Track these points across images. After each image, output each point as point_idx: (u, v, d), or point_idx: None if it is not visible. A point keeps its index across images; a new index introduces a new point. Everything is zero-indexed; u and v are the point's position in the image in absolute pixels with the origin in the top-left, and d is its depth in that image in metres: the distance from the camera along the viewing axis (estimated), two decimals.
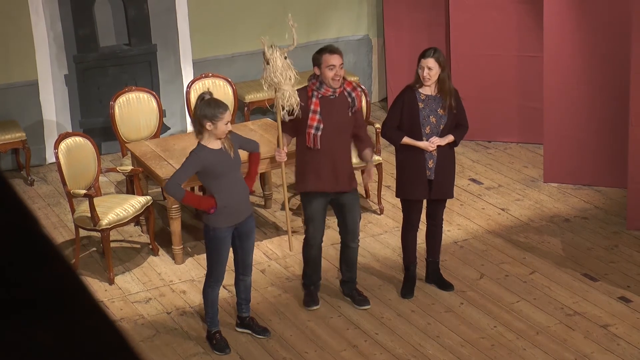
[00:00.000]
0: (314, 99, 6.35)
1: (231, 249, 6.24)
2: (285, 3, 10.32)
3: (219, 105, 5.97)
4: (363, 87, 8.52)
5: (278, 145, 6.63)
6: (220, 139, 5.99)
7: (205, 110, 5.93)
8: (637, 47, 7.42)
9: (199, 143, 6.01)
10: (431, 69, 6.38)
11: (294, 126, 6.47)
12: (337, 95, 6.38)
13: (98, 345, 1.01)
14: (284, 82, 6.32)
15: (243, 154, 6.34)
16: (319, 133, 6.34)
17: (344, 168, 6.45)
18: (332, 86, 6.34)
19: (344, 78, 6.45)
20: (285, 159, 6.59)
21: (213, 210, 6.00)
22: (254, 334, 6.48)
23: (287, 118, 6.40)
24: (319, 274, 6.85)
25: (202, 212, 6.19)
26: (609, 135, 8.34)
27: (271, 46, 6.44)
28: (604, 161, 8.46)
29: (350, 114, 6.43)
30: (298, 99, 6.33)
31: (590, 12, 8.16)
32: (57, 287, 1.06)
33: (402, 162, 6.67)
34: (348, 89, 6.44)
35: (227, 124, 5.95)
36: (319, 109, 6.35)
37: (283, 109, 6.37)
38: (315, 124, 6.34)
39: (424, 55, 6.43)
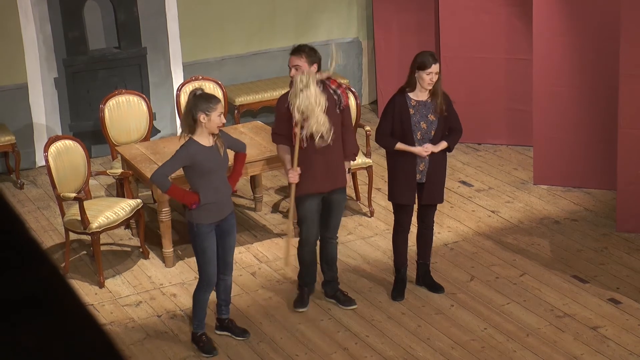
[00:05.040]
0: None
1: None
2: (274, 6, 10.33)
3: (212, 97, 6.03)
4: (352, 88, 8.52)
5: (291, 166, 6.40)
6: (212, 135, 6.02)
7: (198, 103, 5.98)
8: (626, 50, 7.44)
9: (190, 138, 6.04)
10: (437, 73, 6.42)
11: (289, 135, 6.42)
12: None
13: (84, 348, 1.01)
14: (317, 109, 6.22)
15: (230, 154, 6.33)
16: (304, 132, 6.30)
17: (336, 165, 6.43)
18: None
19: (328, 76, 6.42)
20: (297, 180, 6.39)
21: (195, 206, 6.01)
22: (233, 336, 6.48)
23: (323, 144, 6.32)
24: (313, 276, 6.84)
25: (186, 209, 6.21)
26: (599, 137, 8.36)
27: (306, 73, 6.27)
28: (593, 163, 8.48)
29: (338, 111, 6.40)
30: (329, 124, 6.26)
31: (579, 15, 8.18)
32: (43, 290, 1.06)
33: (393, 166, 6.67)
34: (333, 86, 6.42)
35: (220, 115, 5.99)
36: None
37: (319, 134, 6.24)
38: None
39: (430, 62, 6.35)
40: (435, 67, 6.41)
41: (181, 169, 6.16)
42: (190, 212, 6.08)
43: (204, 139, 6.02)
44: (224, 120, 6.08)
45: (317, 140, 6.26)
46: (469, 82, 9.48)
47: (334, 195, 6.52)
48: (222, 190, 6.13)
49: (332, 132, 6.25)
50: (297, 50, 6.37)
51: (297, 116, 6.22)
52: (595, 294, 6.89)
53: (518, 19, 9.16)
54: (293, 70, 6.34)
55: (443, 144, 6.55)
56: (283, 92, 6.69)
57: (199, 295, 6.26)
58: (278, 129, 6.48)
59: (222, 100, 8.72)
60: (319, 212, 6.57)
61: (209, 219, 6.08)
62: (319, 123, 6.19)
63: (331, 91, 6.39)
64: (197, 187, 6.06)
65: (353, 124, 6.73)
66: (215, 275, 6.23)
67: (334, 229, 6.69)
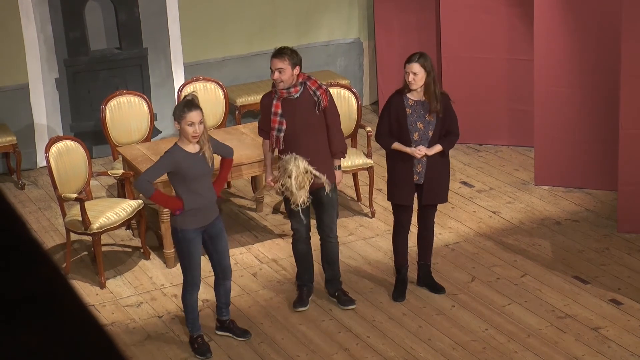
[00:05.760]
0: (274, 101, 6.46)
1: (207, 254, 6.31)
2: (275, 6, 10.33)
3: (186, 105, 5.93)
4: (353, 89, 8.53)
5: (270, 173, 6.73)
6: (192, 142, 5.96)
7: (176, 109, 6.00)
8: (627, 50, 7.44)
9: (175, 144, 6.04)
10: (416, 74, 6.40)
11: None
12: (298, 95, 6.43)
13: (85, 349, 1.01)
14: (299, 190, 6.38)
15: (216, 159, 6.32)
16: (281, 135, 6.45)
17: (319, 165, 6.48)
18: (277, 88, 6.42)
19: (309, 77, 6.49)
20: (273, 185, 6.65)
21: (179, 212, 6.00)
22: (234, 337, 6.47)
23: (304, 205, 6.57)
24: (310, 274, 6.87)
25: (171, 214, 6.20)
26: (600, 138, 8.36)
27: (295, 159, 6.39)
28: (594, 164, 8.48)
29: (317, 112, 6.47)
30: (309, 197, 6.44)
31: (580, 16, 8.18)
32: (44, 290, 1.06)
33: (391, 167, 6.69)
34: (313, 87, 6.47)
35: (190, 125, 5.88)
36: (279, 111, 6.45)
37: (296, 205, 6.46)
38: (276, 126, 6.46)
39: (409, 60, 6.45)
40: (411, 67, 6.39)
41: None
42: (175, 217, 6.07)
43: (188, 146, 5.98)
44: (198, 132, 5.90)
45: (292, 206, 6.49)
46: (469, 82, 9.47)
47: (320, 193, 6.56)
48: (207, 197, 6.07)
49: (309, 201, 6.46)
50: (280, 53, 6.40)
51: (278, 186, 6.47)
52: (596, 294, 6.89)
53: (519, 19, 9.16)
54: (276, 74, 6.36)
55: (437, 147, 6.54)
56: None
57: (186, 298, 6.27)
58: (263, 125, 6.62)
59: (223, 101, 8.76)
60: (307, 207, 6.62)
61: (193, 224, 6.05)
62: (296, 198, 6.42)
63: (311, 92, 6.46)
64: (180, 193, 6.03)
65: (340, 123, 6.75)
66: (199, 277, 6.23)
67: (328, 226, 6.72)
